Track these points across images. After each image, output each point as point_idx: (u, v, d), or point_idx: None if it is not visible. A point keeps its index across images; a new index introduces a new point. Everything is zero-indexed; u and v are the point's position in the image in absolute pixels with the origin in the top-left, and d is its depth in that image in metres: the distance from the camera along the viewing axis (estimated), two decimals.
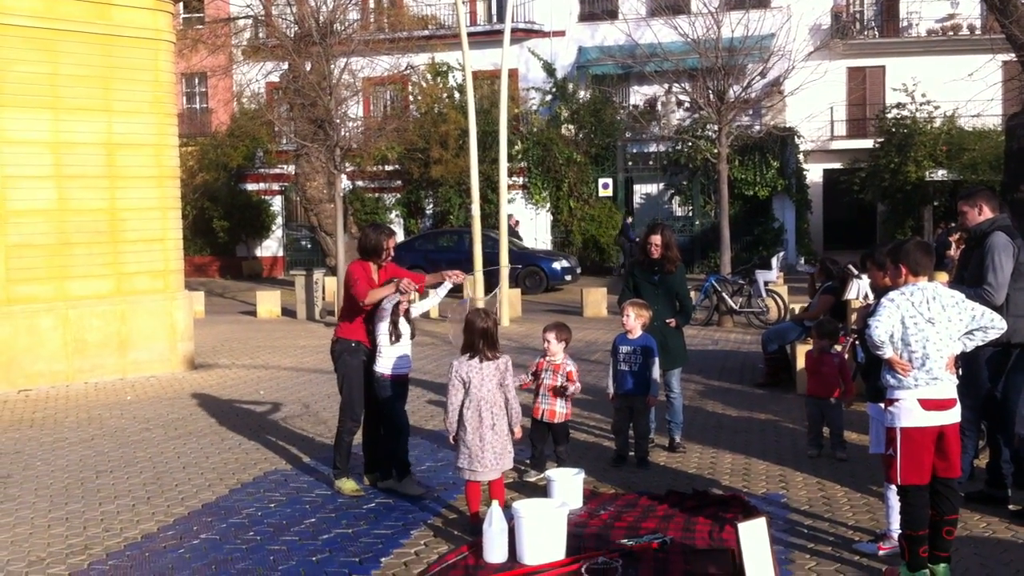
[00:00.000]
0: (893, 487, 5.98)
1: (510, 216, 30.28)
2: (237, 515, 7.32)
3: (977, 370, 7.05)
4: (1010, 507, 6.98)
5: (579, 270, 28.25)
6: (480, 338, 6.75)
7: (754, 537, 5.59)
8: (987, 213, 7.07)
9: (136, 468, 8.78)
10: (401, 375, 7.72)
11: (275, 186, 34.50)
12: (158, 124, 14.09)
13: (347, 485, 7.78)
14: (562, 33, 34.26)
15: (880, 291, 6.30)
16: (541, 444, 8.14)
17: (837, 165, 33.37)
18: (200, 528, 7.04)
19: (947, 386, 5.61)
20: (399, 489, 7.68)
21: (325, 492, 7.85)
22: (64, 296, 13.27)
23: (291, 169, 30.14)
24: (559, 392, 8.00)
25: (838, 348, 8.89)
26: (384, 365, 7.64)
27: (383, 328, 7.60)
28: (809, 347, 11.44)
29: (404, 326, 7.66)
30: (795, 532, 6.66)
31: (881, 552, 6.15)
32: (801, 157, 31.95)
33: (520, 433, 6.92)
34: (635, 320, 8.42)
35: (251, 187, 34.49)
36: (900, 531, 5.86)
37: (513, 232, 29.57)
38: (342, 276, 20.01)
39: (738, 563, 5.55)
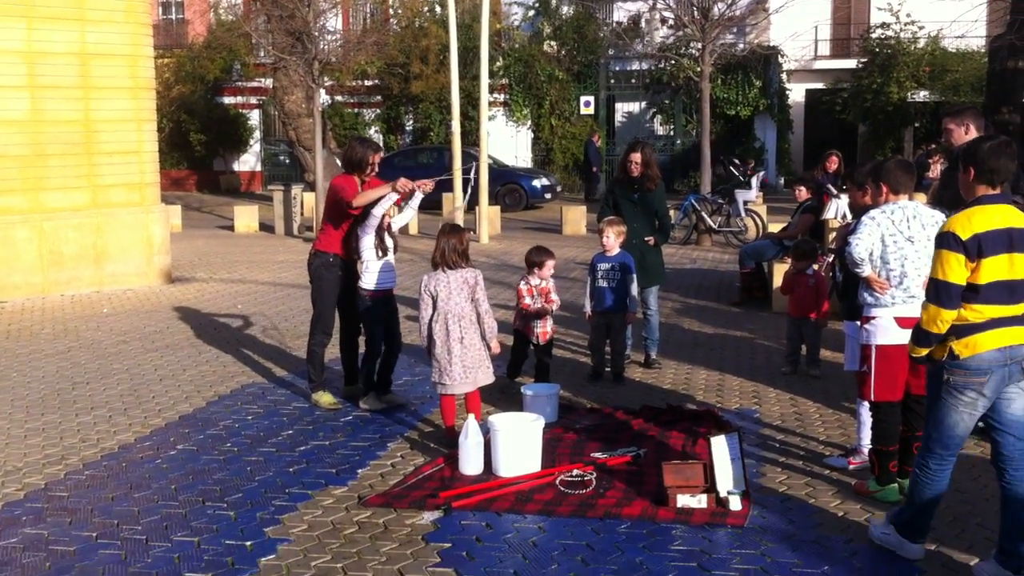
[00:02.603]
0: (866, 403, 6.05)
1: (593, 132, 29.91)
2: (214, 427, 7.35)
3: None
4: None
5: (559, 188, 28.16)
6: (442, 249, 6.73)
7: (726, 451, 5.66)
8: (973, 133, 7.02)
9: (113, 380, 8.78)
10: (386, 290, 7.72)
11: (253, 100, 34.08)
12: (132, 34, 13.84)
13: (324, 398, 7.81)
14: None
15: (859, 210, 6.29)
16: (521, 356, 8.22)
17: (820, 85, 33.16)
18: (177, 439, 7.07)
19: None
20: (361, 404, 7.74)
21: (302, 405, 7.88)
22: (39, 208, 13.14)
23: (269, 83, 29.74)
24: (544, 313, 8.10)
25: (815, 268, 8.92)
26: (369, 281, 7.63)
27: (368, 243, 7.58)
28: (786, 266, 11.46)
29: (388, 240, 7.66)
30: (767, 447, 6.74)
31: (851, 466, 6.23)
32: (784, 77, 31.74)
33: (497, 348, 6.93)
34: (614, 239, 8.42)
35: (228, 100, 34.06)
36: (871, 446, 5.94)
37: (593, 148, 29.07)
38: (320, 192, 19.94)
39: (710, 476, 5.63)
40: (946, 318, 4.52)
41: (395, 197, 7.50)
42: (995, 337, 4.53)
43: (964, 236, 4.47)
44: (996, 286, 4.50)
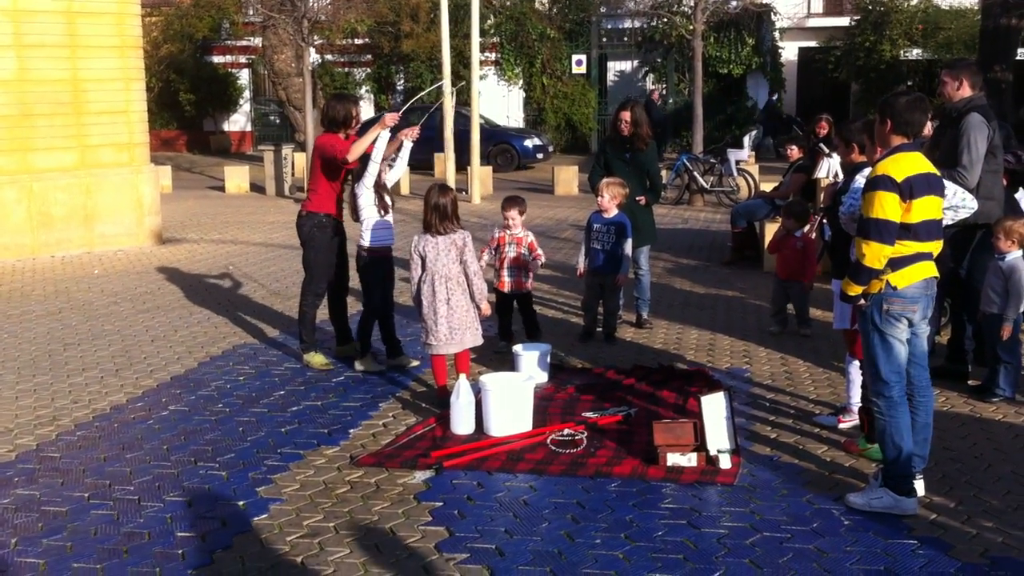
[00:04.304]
0: (855, 362, 6.08)
1: (652, 91, 29.08)
2: (206, 387, 7.35)
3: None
4: (970, 383, 7.11)
5: (551, 148, 28.00)
6: (432, 212, 6.72)
7: (716, 409, 5.69)
8: (965, 90, 7.00)
9: (104, 341, 8.77)
10: (386, 248, 7.70)
11: (242, 59, 33.78)
12: None
13: (316, 359, 7.81)
14: None
15: (851, 169, 6.27)
16: (508, 315, 8.21)
17: (813, 43, 32.95)
18: (169, 400, 7.08)
19: None
20: (357, 366, 7.72)
21: (294, 366, 7.88)
22: (27, 169, 13.06)
23: (258, 41, 29.50)
24: (526, 264, 8.08)
25: (804, 231, 8.87)
26: (369, 239, 7.61)
27: (368, 200, 7.55)
28: (777, 225, 11.43)
29: (386, 197, 7.64)
30: (757, 405, 6.77)
31: (841, 425, 6.27)
32: (777, 35, 31.54)
33: (488, 309, 6.91)
34: (609, 200, 8.39)
35: (217, 60, 33.76)
36: (860, 404, 5.97)
37: (654, 105, 27.89)
38: (311, 152, 19.82)
39: (700, 435, 5.66)
40: (887, 253, 4.90)
41: (387, 136, 7.44)
42: (921, 269, 5.01)
43: (899, 178, 4.87)
44: (924, 224, 4.95)
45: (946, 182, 5.70)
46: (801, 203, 9.72)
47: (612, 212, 8.40)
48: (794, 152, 12.60)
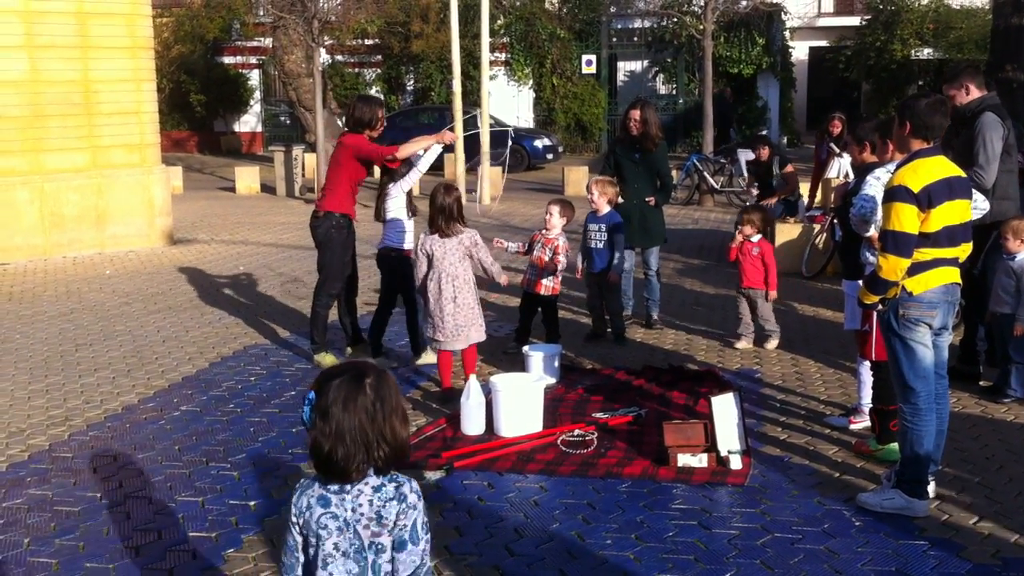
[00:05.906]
0: (867, 363, 6.07)
1: (725, 88, 28.72)
2: (217, 388, 7.37)
3: None
4: (981, 383, 7.09)
5: (561, 148, 27.99)
6: (439, 214, 6.80)
7: (727, 410, 5.68)
8: (974, 92, 6.98)
9: (116, 341, 8.79)
10: (409, 249, 7.82)
11: (252, 60, 33.84)
12: None
13: (327, 359, 7.82)
14: None
15: (861, 168, 6.26)
16: (527, 317, 8.18)
17: (823, 43, 32.93)
18: (181, 400, 7.10)
19: None
20: (416, 362, 7.77)
21: (305, 366, 7.90)
22: (39, 169, 13.10)
23: (268, 42, 29.52)
24: (546, 267, 8.04)
25: (760, 236, 8.52)
26: (395, 239, 7.74)
27: (400, 203, 7.67)
28: (788, 225, 11.43)
29: (414, 201, 7.85)
30: (768, 406, 6.76)
31: (852, 426, 6.26)
32: (787, 34, 31.49)
33: (506, 279, 7.33)
34: (599, 198, 8.34)
35: (228, 60, 33.82)
36: (871, 405, 5.96)
37: (727, 103, 27.38)
38: (322, 152, 19.84)
39: (711, 435, 5.65)
40: (904, 266, 4.82)
41: (439, 149, 7.60)
42: (941, 275, 4.90)
43: (916, 189, 4.77)
44: (943, 232, 4.85)
45: None
46: (760, 207, 9.53)
47: (604, 210, 8.36)
48: (764, 152, 12.63)
